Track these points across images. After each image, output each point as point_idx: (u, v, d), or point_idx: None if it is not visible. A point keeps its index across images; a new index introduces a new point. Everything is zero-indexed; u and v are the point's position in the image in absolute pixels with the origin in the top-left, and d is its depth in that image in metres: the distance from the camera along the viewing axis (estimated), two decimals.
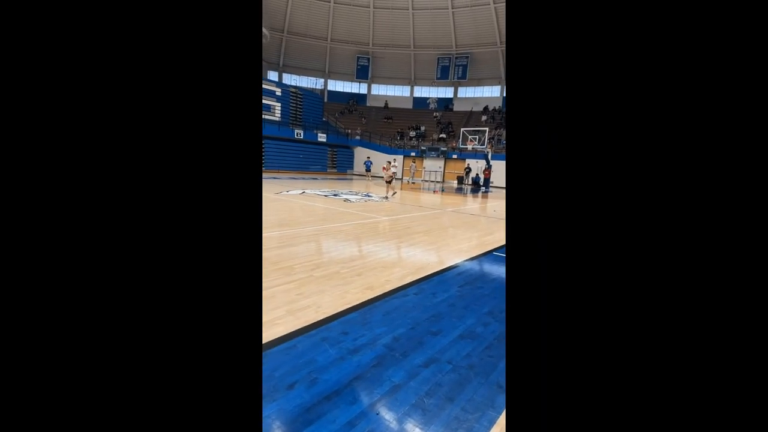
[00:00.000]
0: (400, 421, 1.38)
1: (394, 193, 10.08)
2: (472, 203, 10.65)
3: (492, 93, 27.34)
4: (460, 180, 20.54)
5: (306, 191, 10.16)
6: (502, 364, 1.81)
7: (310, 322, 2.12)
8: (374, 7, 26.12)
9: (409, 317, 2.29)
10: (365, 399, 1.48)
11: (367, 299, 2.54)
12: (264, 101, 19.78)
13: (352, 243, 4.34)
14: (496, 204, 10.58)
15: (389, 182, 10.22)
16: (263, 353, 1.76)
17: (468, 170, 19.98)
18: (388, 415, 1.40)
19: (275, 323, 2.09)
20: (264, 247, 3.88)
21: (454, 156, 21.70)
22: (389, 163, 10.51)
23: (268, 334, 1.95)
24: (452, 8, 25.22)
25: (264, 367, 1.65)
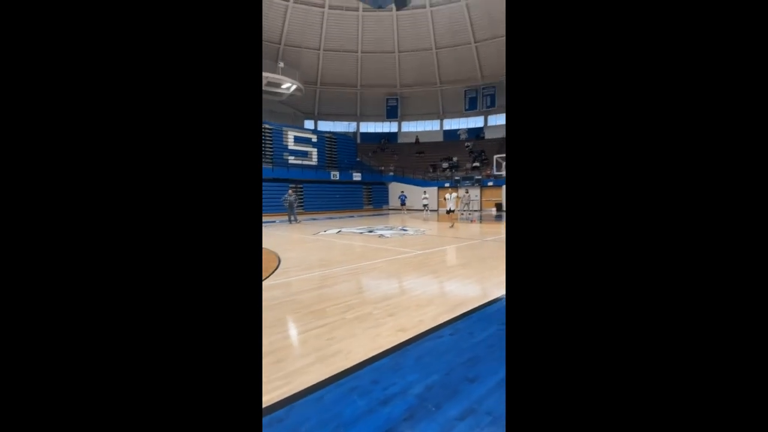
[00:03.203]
0: None
1: (451, 226, 10.88)
2: None
3: None
4: (499, 207, 19.94)
5: (342, 230, 10.36)
6: None
7: (340, 370, 2.05)
8: (399, 51, 27.60)
9: (443, 362, 2.14)
10: None
11: (399, 342, 2.43)
12: (301, 148, 21.06)
13: (386, 281, 4.27)
14: None
15: (451, 212, 11.43)
16: (291, 405, 1.71)
17: None
18: None
19: (305, 371, 2.04)
20: (297, 290, 3.92)
21: (490, 183, 21.31)
22: (454, 189, 11.49)
23: (297, 383, 1.91)
24: (474, 42, 25.98)
25: (290, 421, 1.59)
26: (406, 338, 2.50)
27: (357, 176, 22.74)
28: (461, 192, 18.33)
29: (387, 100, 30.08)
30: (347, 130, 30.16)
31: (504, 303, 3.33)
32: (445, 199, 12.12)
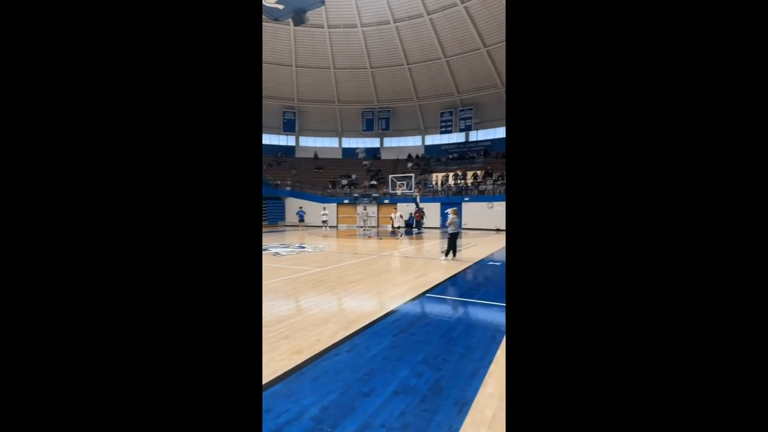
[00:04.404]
0: None
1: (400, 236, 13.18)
2: (406, 246, 10.91)
3: (414, 142, 29.55)
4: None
5: None
6: (438, 418, 1.73)
7: None
8: (297, 66, 27.34)
9: (340, 380, 2.13)
10: None
11: (294, 366, 2.32)
12: None
13: (281, 301, 4.05)
14: (429, 244, 10.99)
15: (399, 227, 13.42)
16: None
17: (418, 213, 19.52)
18: None
19: None
20: None
21: (386, 201, 22.47)
22: (395, 208, 14.61)
23: None
24: (371, 68, 27.53)
25: None
26: (302, 360, 2.41)
27: None
28: (360, 209, 18.78)
29: (284, 112, 29.27)
30: None
31: (397, 315, 3.51)
32: (391, 218, 14.94)
